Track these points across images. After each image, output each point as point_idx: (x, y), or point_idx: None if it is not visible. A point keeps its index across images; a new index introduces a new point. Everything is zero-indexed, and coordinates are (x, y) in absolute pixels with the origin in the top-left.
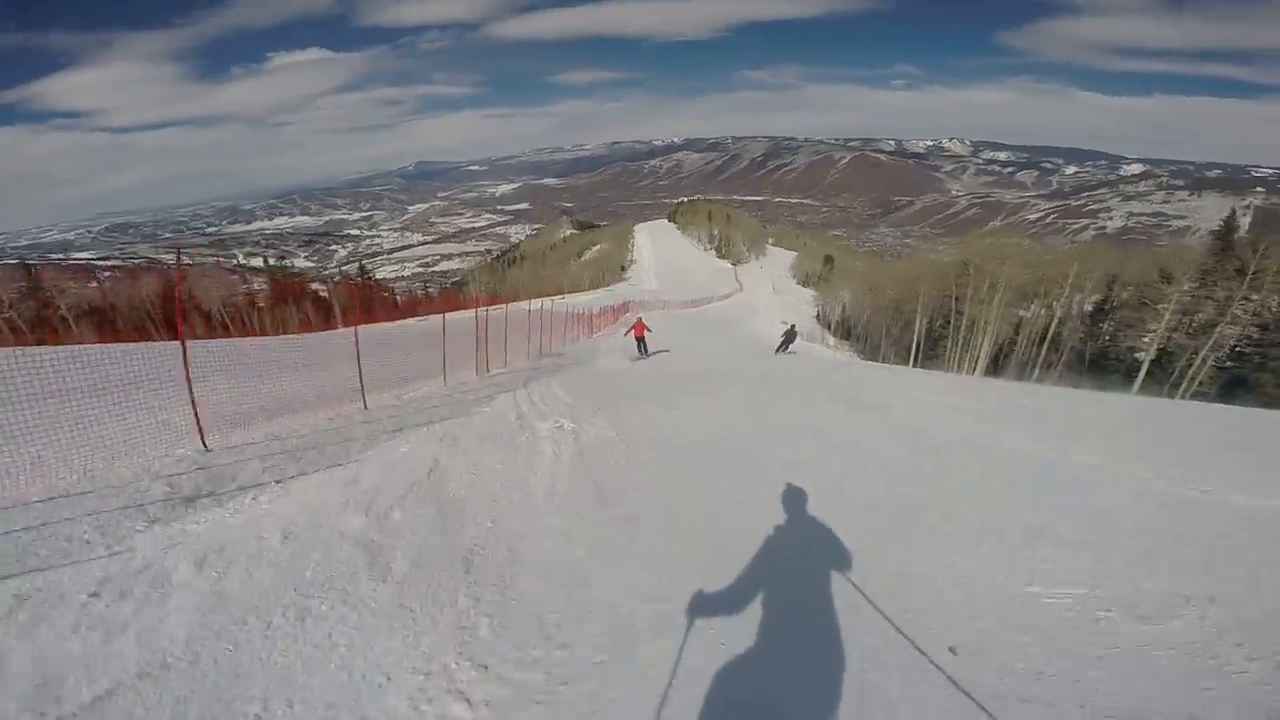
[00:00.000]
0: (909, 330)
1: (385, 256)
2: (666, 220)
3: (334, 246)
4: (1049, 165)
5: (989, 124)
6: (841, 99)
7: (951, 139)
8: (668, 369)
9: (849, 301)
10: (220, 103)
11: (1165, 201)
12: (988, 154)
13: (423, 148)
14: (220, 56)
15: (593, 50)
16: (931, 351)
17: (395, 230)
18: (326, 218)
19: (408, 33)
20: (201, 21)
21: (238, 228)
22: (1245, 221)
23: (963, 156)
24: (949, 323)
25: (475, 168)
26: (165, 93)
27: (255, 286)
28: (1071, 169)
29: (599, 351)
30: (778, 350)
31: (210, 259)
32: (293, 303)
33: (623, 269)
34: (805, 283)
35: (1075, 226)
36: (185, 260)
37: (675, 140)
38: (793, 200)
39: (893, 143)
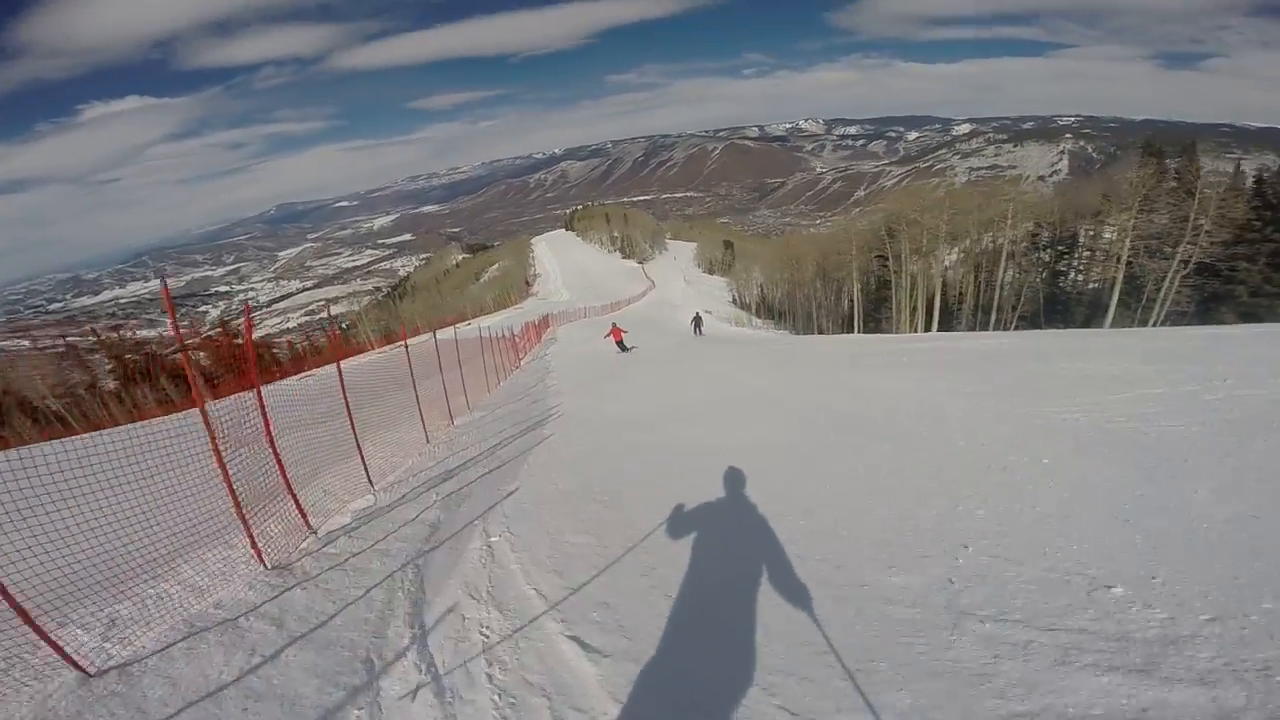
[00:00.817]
0: (843, 299)
1: (265, 310)
2: (564, 230)
3: (203, 307)
4: (893, 134)
5: (837, 101)
6: (706, 91)
7: (807, 119)
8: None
9: (764, 281)
10: (29, 163)
11: (997, 155)
12: (840, 130)
13: (282, 190)
14: (20, 113)
15: (456, 72)
16: (875, 315)
17: (269, 280)
18: (187, 277)
19: (239, 72)
20: None
21: (85, 300)
22: (1063, 165)
23: (819, 135)
24: (888, 284)
25: (345, 203)
26: None
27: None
28: (913, 134)
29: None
30: (695, 333)
31: (74, 337)
32: (146, 378)
33: (528, 284)
34: (711, 270)
35: (929, 186)
36: None
37: (556, 151)
38: (678, 195)
39: (757, 129)
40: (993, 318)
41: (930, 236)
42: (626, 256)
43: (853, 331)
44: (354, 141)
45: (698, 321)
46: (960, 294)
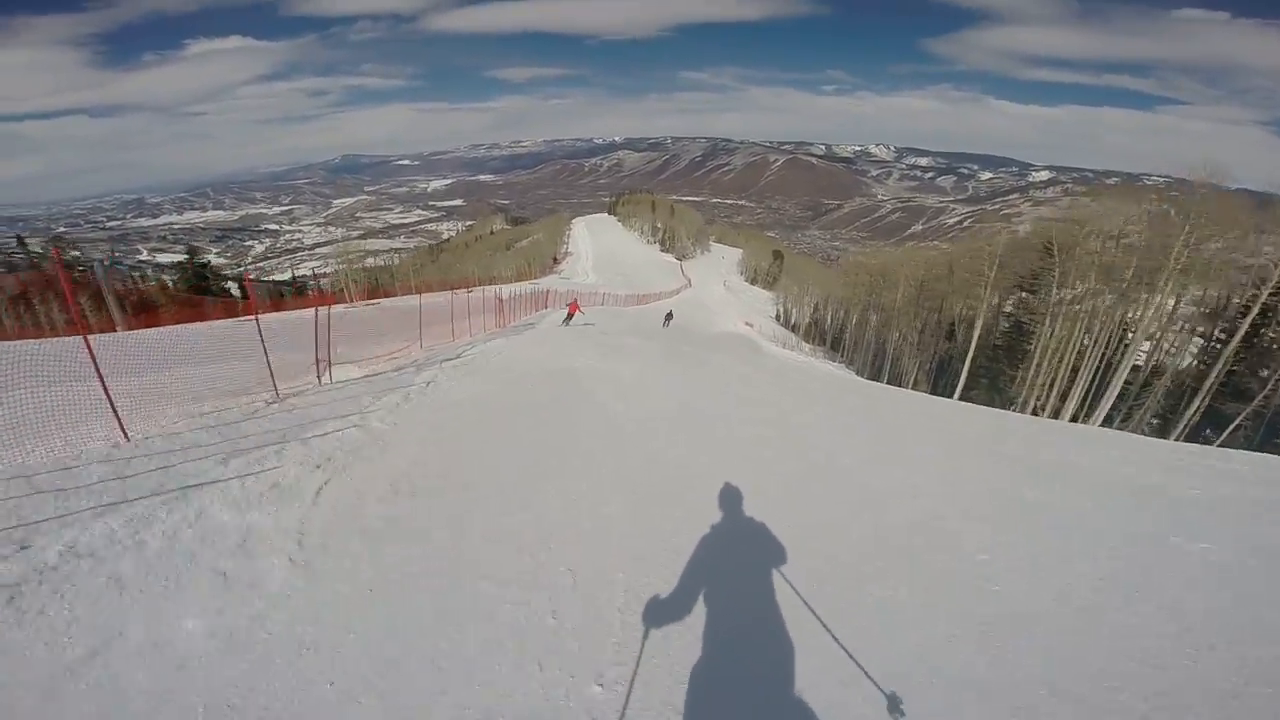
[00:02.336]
0: (933, 343)
1: (306, 253)
2: (607, 213)
3: (249, 242)
4: (966, 171)
5: (912, 130)
6: (777, 102)
7: (877, 144)
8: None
9: (821, 300)
10: (129, 91)
11: (1069, 207)
12: (910, 159)
13: (350, 140)
14: (133, 43)
15: (534, 46)
16: (988, 373)
17: (317, 225)
18: (242, 212)
19: (338, 22)
20: (117, 5)
21: (143, 222)
22: (1142, 226)
23: (887, 161)
24: (1026, 332)
25: (406, 162)
26: (66, 79)
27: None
28: (986, 175)
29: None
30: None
31: (100, 255)
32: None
33: (555, 260)
34: (754, 280)
35: (989, 230)
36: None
37: (616, 139)
38: (729, 200)
39: (823, 147)
40: (1188, 415)
41: (1097, 265)
42: (666, 250)
43: (951, 393)
44: (426, 103)
45: (669, 316)
46: (1154, 369)
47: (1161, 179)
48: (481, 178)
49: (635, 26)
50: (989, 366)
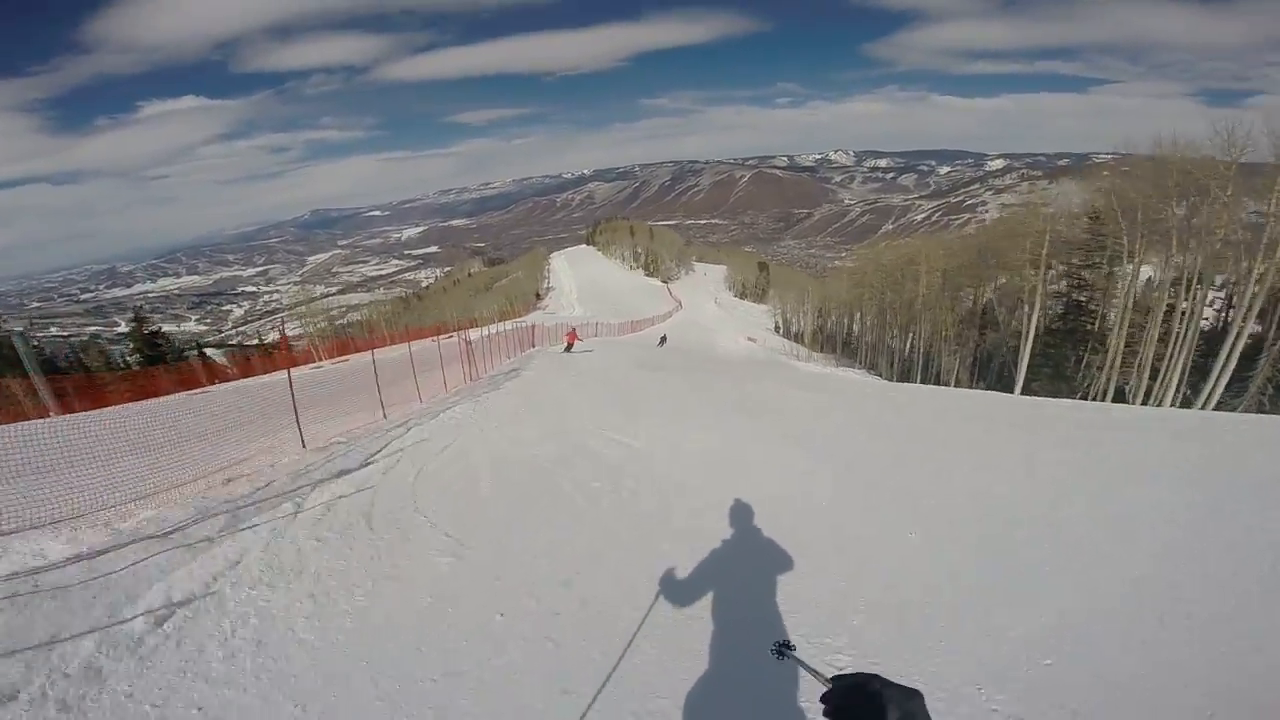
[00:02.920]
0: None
1: (286, 313)
2: (586, 244)
3: (227, 306)
4: (925, 167)
5: (868, 133)
6: (736, 119)
7: (837, 151)
8: None
9: (823, 306)
10: (86, 156)
11: (1031, 191)
12: (870, 162)
13: (318, 195)
14: (84, 107)
15: (493, 88)
16: (1049, 362)
17: (294, 284)
18: (216, 276)
19: (291, 77)
20: (61, 69)
21: (116, 292)
22: (1099, 203)
23: (849, 166)
24: (1086, 311)
25: (376, 213)
26: (19, 147)
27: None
28: (945, 169)
29: None
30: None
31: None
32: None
33: (538, 296)
34: (743, 294)
35: (959, 221)
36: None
37: (585, 172)
38: (702, 221)
39: (786, 158)
40: None
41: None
42: (650, 274)
43: (1008, 387)
44: (390, 152)
45: (663, 339)
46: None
47: (1109, 155)
48: (454, 222)
49: (591, 60)
50: (1048, 353)
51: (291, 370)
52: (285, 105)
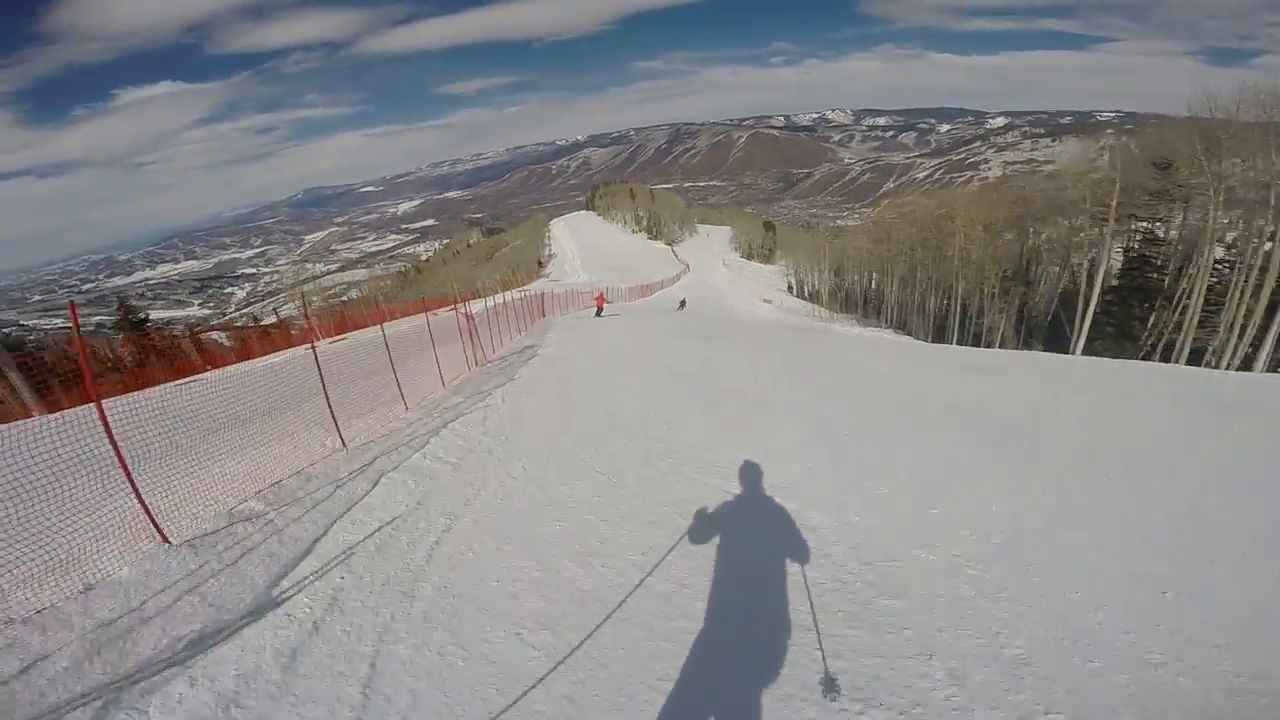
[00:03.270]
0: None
1: (287, 294)
2: (585, 209)
3: (229, 289)
4: (925, 125)
5: (866, 91)
6: (731, 80)
7: (834, 110)
8: None
9: (841, 265)
10: (68, 147)
11: (1034, 149)
12: (869, 120)
13: (310, 173)
14: (57, 98)
15: (481, 57)
16: (1117, 318)
17: (294, 263)
18: (215, 259)
19: (270, 56)
20: (28, 61)
21: (117, 281)
22: (1103, 162)
23: (847, 125)
24: (1149, 262)
25: (370, 188)
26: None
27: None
28: (945, 127)
29: None
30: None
31: (102, 317)
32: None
33: (540, 264)
34: (750, 256)
35: (961, 179)
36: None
37: (579, 138)
38: (701, 183)
39: (783, 118)
40: None
41: None
42: (653, 237)
43: (1062, 347)
44: (380, 127)
45: (682, 303)
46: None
47: (1112, 113)
48: (449, 194)
49: (579, 23)
50: (1110, 311)
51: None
52: (267, 85)
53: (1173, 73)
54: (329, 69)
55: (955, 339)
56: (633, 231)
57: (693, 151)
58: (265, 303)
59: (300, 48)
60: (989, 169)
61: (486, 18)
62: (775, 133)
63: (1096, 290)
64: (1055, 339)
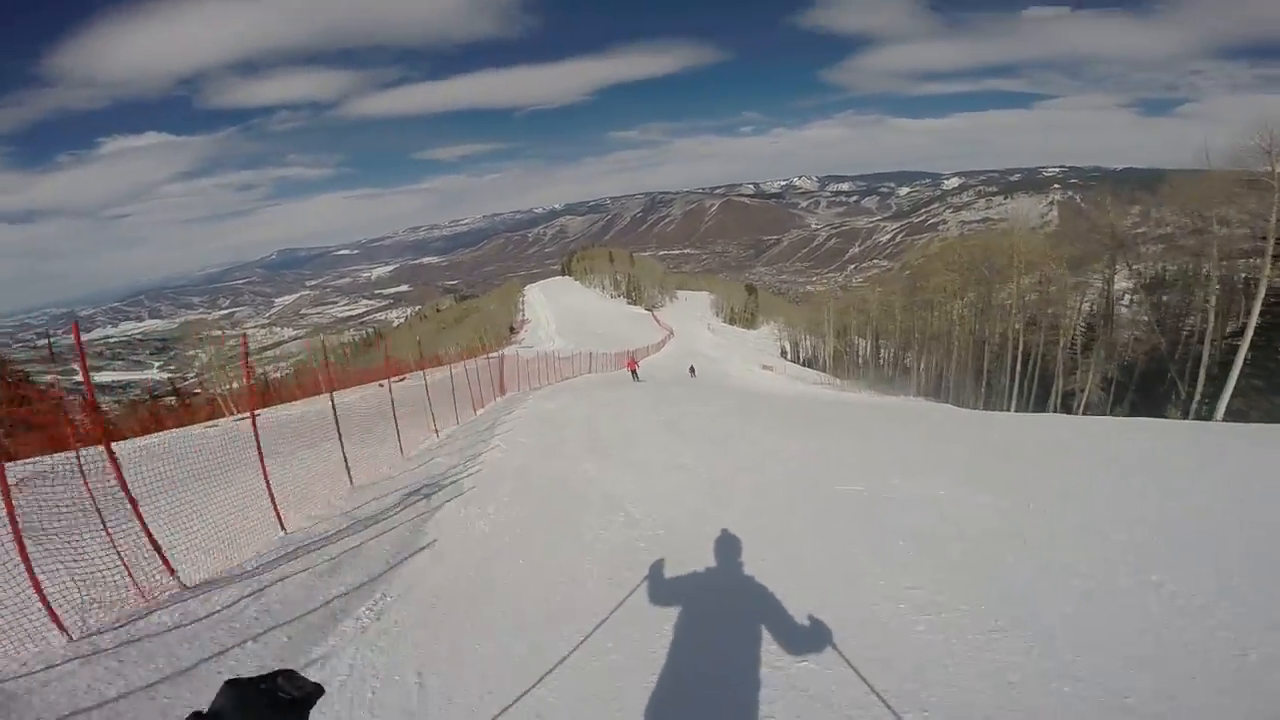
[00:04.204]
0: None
1: (254, 358)
2: (562, 275)
3: (192, 351)
4: (885, 189)
5: (830, 157)
6: (704, 149)
7: (801, 176)
8: None
9: (846, 326)
10: (47, 194)
11: (988, 207)
12: (833, 186)
13: (285, 235)
14: (44, 143)
15: (462, 124)
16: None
17: (262, 327)
18: (181, 319)
19: (256, 113)
20: (22, 104)
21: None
22: (1053, 216)
23: (813, 192)
24: None
25: (345, 251)
26: None
27: None
28: (905, 190)
29: None
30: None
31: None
32: None
33: (512, 330)
34: (732, 320)
35: (921, 241)
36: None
37: (556, 206)
38: (675, 251)
39: (752, 186)
40: None
41: None
42: (633, 302)
43: (1154, 409)
44: (359, 190)
45: (692, 370)
46: None
47: (1057, 168)
48: (425, 260)
49: (560, 94)
50: (1260, 362)
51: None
52: (251, 142)
53: (1109, 125)
54: (313, 129)
55: (1013, 403)
56: (611, 296)
57: (667, 220)
58: (227, 367)
59: (288, 106)
60: (946, 229)
61: (471, 85)
62: (746, 200)
63: (1249, 336)
64: (1149, 400)
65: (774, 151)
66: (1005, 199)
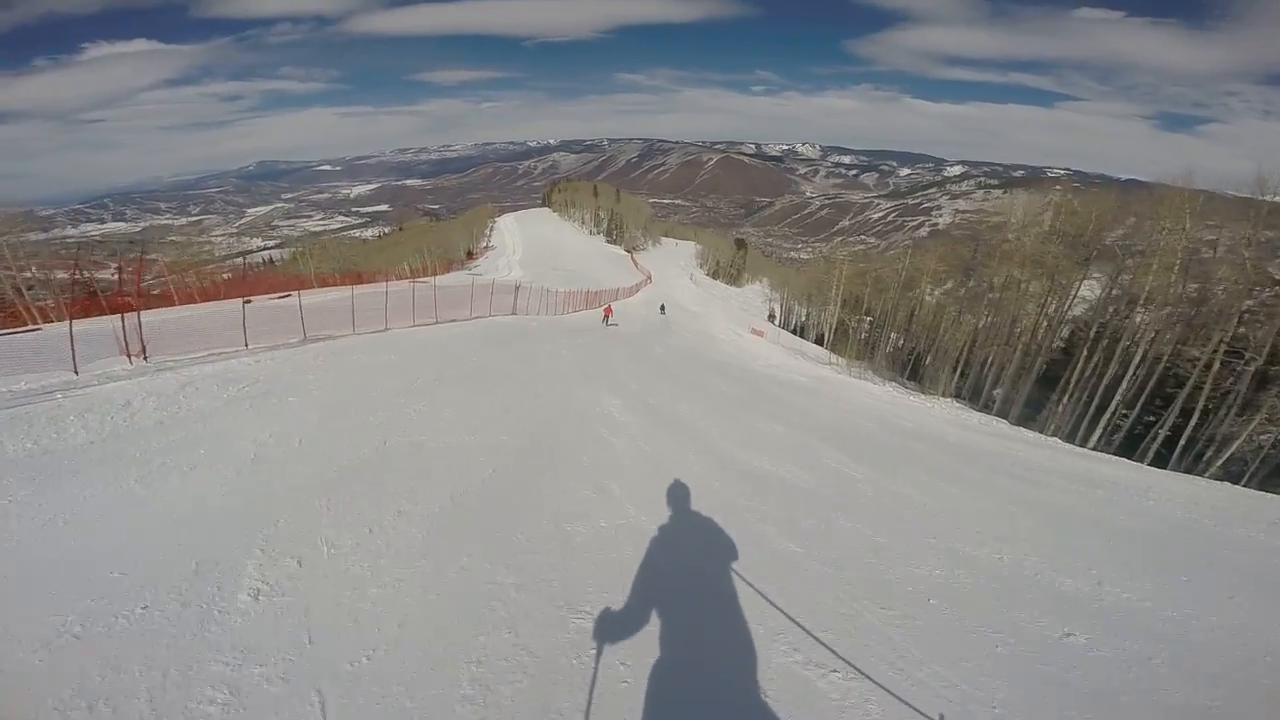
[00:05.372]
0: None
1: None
2: (542, 205)
3: (152, 255)
4: (887, 167)
5: (836, 128)
6: (710, 103)
7: (804, 143)
8: None
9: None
10: (13, 97)
11: (985, 199)
12: (835, 157)
13: (267, 146)
14: (21, 47)
15: (467, 48)
16: None
17: (230, 235)
18: (145, 224)
19: (255, 25)
20: (9, 7)
21: (30, 237)
22: (1046, 218)
23: (814, 160)
24: None
25: (327, 167)
26: None
27: None
28: (905, 171)
29: None
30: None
31: None
32: None
33: (470, 255)
34: (715, 275)
35: (913, 224)
36: None
37: (551, 141)
38: (665, 200)
39: (754, 146)
40: None
41: None
42: (613, 241)
43: None
44: (350, 106)
45: (663, 308)
46: None
47: (1062, 171)
48: (409, 182)
49: (572, 28)
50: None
51: None
52: (244, 53)
53: (1124, 134)
54: (311, 43)
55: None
56: (590, 233)
57: (663, 168)
58: (187, 273)
59: (288, 19)
60: (940, 215)
61: (482, 9)
62: (745, 159)
63: None
64: None
65: (781, 114)
66: (1005, 193)
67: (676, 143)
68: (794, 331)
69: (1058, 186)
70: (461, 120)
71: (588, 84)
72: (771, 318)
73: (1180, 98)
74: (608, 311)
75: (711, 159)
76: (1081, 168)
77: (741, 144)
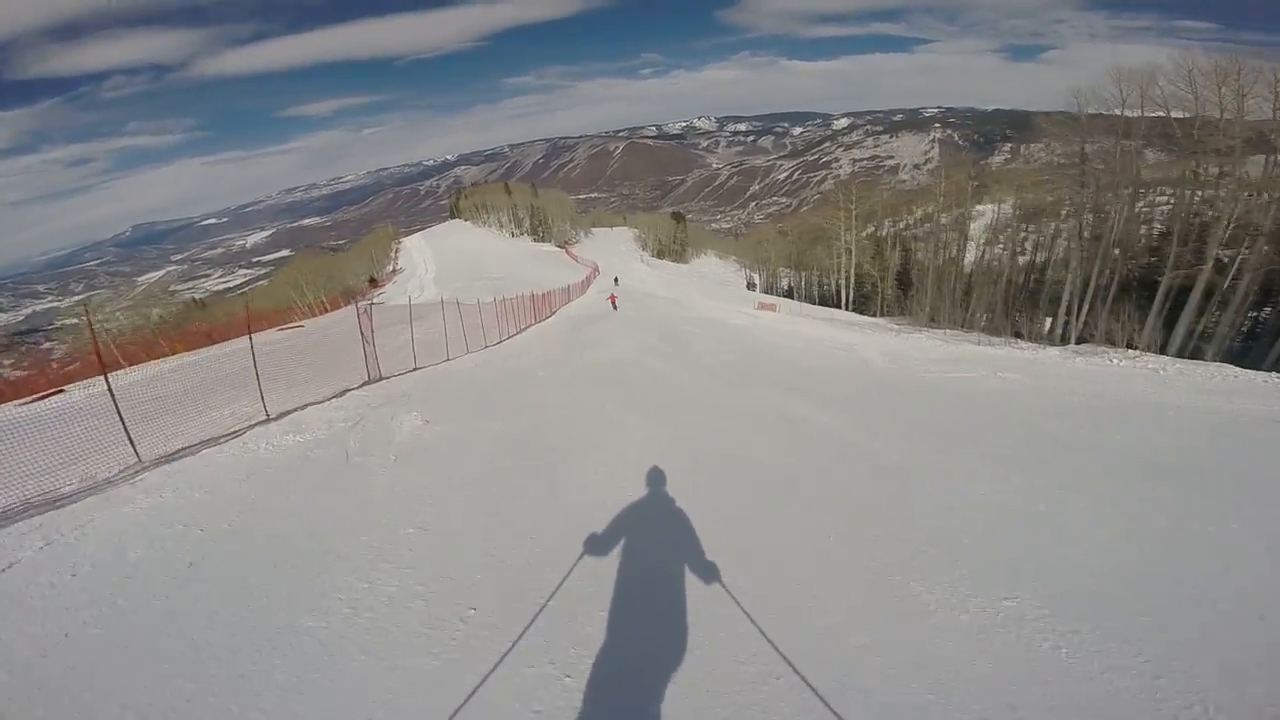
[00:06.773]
0: None
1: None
2: (451, 217)
3: (46, 344)
4: (780, 129)
5: (727, 99)
6: (604, 93)
7: (700, 117)
8: None
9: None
10: None
11: (876, 146)
12: (732, 127)
13: (139, 208)
14: None
15: (335, 77)
16: None
17: (124, 309)
18: (27, 310)
19: (81, 82)
20: None
21: None
22: (934, 154)
23: (713, 132)
24: None
25: (213, 221)
26: None
27: None
28: (798, 130)
29: None
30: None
31: None
32: None
33: (374, 282)
34: (660, 255)
35: (817, 178)
36: None
37: (449, 157)
38: (582, 195)
39: (655, 128)
40: None
41: None
42: (539, 239)
43: None
44: (220, 154)
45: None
46: None
47: (936, 109)
48: (305, 222)
49: (445, 42)
50: None
51: None
52: (80, 112)
53: (980, 69)
54: (157, 93)
55: None
56: (513, 235)
57: (572, 164)
58: (91, 358)
59: (121, 71)
60: (839, 167)
61: (337, 36)
62: (649, 142)
63: None
64: None
65: (674, 93)
66: (891, 138)
67: (580, 137)
68: (803, 297)
69: (936, 125)
70: (347, 150)
71: (475, 94)
72: (751, 287)
73: (1019, 29)
74: (612, 299)
75: (618, 147)
76: (952, 104)
77: (643, 128)
